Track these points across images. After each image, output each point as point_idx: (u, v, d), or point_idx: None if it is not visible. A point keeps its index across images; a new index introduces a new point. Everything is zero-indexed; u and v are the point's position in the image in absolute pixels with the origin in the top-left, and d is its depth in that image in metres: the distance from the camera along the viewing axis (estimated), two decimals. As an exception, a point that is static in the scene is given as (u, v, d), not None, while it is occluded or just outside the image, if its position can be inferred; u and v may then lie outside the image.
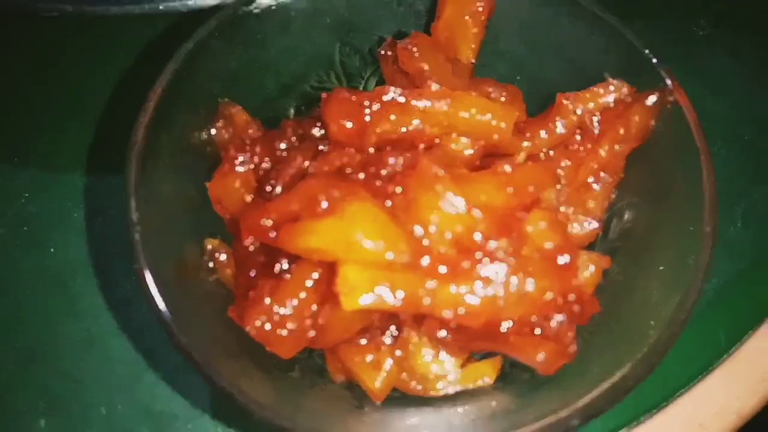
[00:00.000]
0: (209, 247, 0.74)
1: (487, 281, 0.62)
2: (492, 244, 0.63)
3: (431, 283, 0.61)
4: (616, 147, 0.74)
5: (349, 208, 0.61)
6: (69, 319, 0.86)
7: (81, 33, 1.00)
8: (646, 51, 0.74)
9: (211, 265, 0.73)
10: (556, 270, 0.64)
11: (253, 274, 0.69)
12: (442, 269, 0.62)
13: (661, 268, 0.69)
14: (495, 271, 0.62)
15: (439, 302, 0.62)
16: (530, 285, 0.62)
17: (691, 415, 0.86)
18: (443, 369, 0.70)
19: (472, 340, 0.65)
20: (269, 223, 0.65)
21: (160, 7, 0.81)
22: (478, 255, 0.62)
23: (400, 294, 0.60)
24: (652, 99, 0.73)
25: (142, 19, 0.93)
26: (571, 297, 0.64)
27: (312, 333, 0.65)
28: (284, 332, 0.64)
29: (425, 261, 0.62)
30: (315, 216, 0.62)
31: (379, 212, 0.62)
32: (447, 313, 0.62)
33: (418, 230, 0.62)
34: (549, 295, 0.63)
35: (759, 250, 0.95)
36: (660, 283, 0.68)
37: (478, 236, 0.63)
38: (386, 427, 0.68)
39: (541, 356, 0.63)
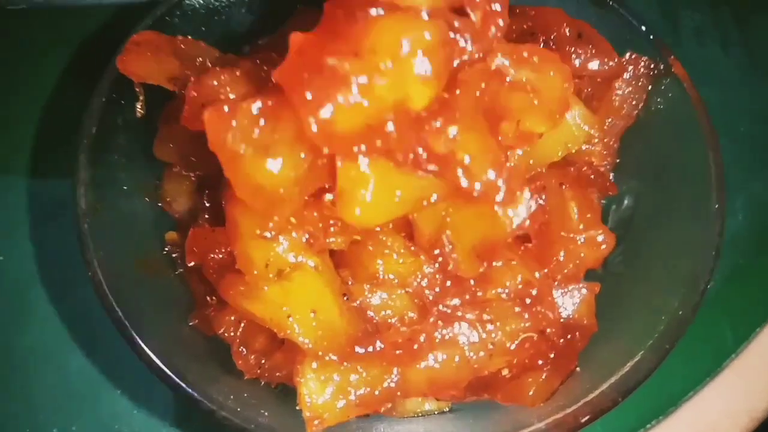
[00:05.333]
0: (170, 240, 0.67)
1: (449, 347, 0.56)
2: (452, 300, 0.57)
3: (395, 374, 0.55)
4: (608, 121, 0.69)
5: (295, 280, 0.54)
6: (22, 332, 0.79)
7: (21, 32, 0.94)
8: (642, 27, 0.69)
9: (174, 255, 0.66)
10: (526, 308, 0.58)
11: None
12: (399, 352, 0.56)
13: (667, 252, 0.64)
14: (454, 332, 0.56)
15: (411, 388, 0.56)
16: (497, 335, 0.57)
17: (701, 419, 0.80)
18: (434, 406, 0.65)
19: (464, 396, 0.61)
20: (216, 261, 0.59)
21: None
22: (432, 318, 0.57)
23: (368, 396, 0.55)
24: (642, 68, 0.68)
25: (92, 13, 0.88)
26: (551, 330, 0.58)
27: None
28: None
29: (378, 345, 0.56)
30: (252, 282, 0.54)
31: (323, 294, 0.55)
32: (425, 393, 0.57)
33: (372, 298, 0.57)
34: (522, 337, 0.57)
35: (762, 243, 0.89)
36: (666, 267, 0.63)
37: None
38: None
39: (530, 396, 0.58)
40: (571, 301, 0.59)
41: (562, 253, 0.59)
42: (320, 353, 0.53)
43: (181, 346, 0.60)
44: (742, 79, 1.01)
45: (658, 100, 0.69)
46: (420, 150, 0.48)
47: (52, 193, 0.85)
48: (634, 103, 0.70)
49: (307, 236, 0.52)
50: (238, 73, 0.55)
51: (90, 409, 0.75)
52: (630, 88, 0.69)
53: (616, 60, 0.68)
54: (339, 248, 0.55)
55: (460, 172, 0.49)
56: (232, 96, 0.55)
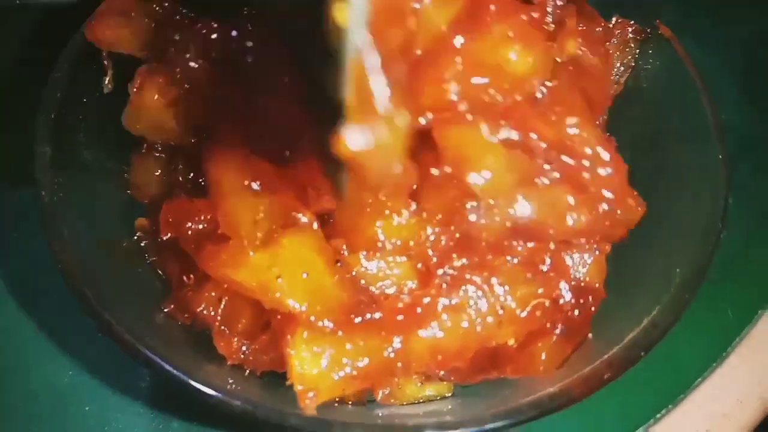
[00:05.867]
0: (140, 226, 0.62)
1: (455, 312, 0.52)
2: (458, 261, 0.53)
3: (395, 343, 0.51)
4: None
5: (283, 244, 0.50)
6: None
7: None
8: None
9: (144, 244, 0.61)
10: (538, 273, 0.54)
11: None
12: (400, 317, 0.52)
13: (672, 213, 0.60)
14: (461, 296, 0.52)
15: (413, 358, 0.51)
16: (507, 299, 0.53)
17: (712, 407, 0.76)
18: (434, 391, 0.59)
19: (470, 375, 0.55)
20: (195, 231, 0.54)
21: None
22: (437, 280, 0.52)
23: (366, 368, 0.50)
24: (630, 32, 0.66)
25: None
26: (565, 297, 0.55)
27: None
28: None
29: (377, 315, 0.51)
30: (239, 244, 0.50)
31: (315, 258, 0.51)
32: (428, 365, 0.52)
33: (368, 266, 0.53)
34: (533, 303, 0.54)
35: (754, 226, 0.87)
36: (673, 227, 0.60)
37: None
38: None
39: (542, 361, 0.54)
40: (581, 263, 0.55)
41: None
42: (313, 318, 0.48)
43: (156, 334, 0.54)
44: (717, 72, 1.01)
45: (646, 64, 0.68)
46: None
47: (15, 202, 0.79)
48: (622, 69, 0.68)
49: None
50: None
51: (61, 427, 0.68)
52: (618, 53, 0.68)
53: (603, 25, 0.67)
54: (330, 206, 0.50)
55: (585, 162, 0.49)
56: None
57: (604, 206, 0.52)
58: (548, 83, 0.54)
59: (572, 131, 0.52)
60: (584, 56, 0.59)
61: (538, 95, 0.53)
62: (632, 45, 0.68)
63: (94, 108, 0.62)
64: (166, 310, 0.57)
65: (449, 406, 0.57)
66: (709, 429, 0.75)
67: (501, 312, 0.51)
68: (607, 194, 0.52)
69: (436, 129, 0.50)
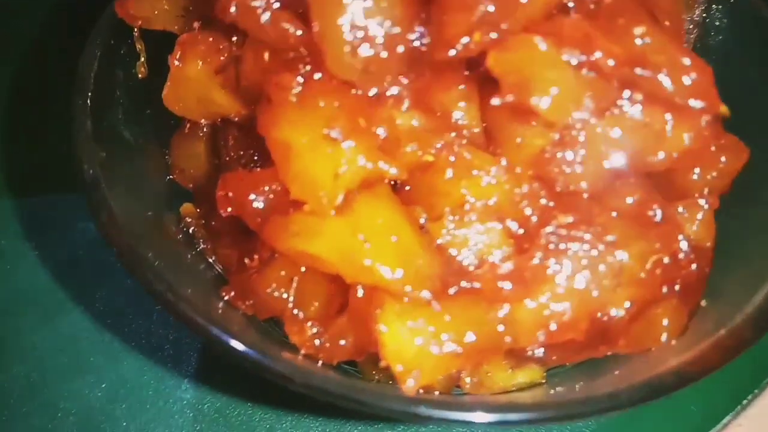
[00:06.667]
0: (186, 212, 0.56)
1: (565, 274, 0.45)
2: (565, 218, 0.47)
3: (502, 311, 0.44)
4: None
5: (362, 209, 0.44)
6: (6, 363, 0.67)
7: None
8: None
9: (191, 231, 0.55)
10: (651, 227, 0.48)
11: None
12: (506, 285, 0.45)
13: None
14: (571, 256, 0.45)
15: (522, 331, 0.45)
16: (624, 257, 0.46)
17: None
18: (527, 378, 0.53)
19: (576, 351, 0.48)
20: (259, 203, 0.47)
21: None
22: (542, 240, 0.46)
23: (472, 344, 0.43)
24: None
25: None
26: (684, 251, 0.48)
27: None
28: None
29: (476, 285, 0.45)
30: (317, 207, 0.44)
31: (402, 220, 0.44)
32: (538, 338, 0.45)
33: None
34: (653, 260, 0.46)
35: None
36: None
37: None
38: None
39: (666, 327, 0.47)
40: (690, 219, 0.49)
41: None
42: (409, 288, 0.42)
43: (221, 322, 0.47)
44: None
45: (716, 20, 0.63)
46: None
47: (37, 215, 0.75)
48: (691, 26, 0.64)
49: (385, 134, 0.42)
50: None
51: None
52: (684, 10, 0.63)
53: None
54: (416, 160, 0.45)
55: (664, 74, 0.42)
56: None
57: (705, 119, 0.45)
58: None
59: (641, 41, 0.45)
60: None
61: (591, 6, 0.47)
62: (697, 8, 0.64)
63: (131, 87, 0.56)
64: (226, 297, 0.50)
65: (545, 394, 0.51)
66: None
67: (619, 272, 0.45)
68: (697, 104, 0.45)
69: (491, 55, 0.43)
